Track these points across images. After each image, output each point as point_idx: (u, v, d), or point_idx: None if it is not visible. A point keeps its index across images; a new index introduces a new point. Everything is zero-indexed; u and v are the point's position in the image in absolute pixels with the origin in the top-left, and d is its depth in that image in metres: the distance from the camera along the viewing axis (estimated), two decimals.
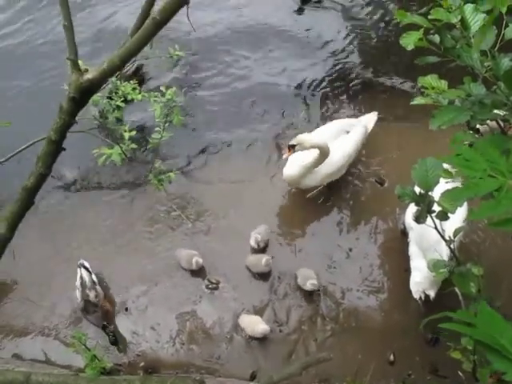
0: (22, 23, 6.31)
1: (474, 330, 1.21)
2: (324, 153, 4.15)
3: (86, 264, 3.97)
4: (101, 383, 1.85)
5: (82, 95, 1.74)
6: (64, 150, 1.87)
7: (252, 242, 4.17)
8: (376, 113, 4.71)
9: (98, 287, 3.89)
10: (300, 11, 6.19)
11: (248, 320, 3.84)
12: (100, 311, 3.81)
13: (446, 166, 2.02)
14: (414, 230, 3.74)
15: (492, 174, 1.19)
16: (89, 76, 1.70)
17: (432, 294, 3.67)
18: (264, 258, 4.01)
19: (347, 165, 4.48)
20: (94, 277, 3.94)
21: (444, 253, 3.45)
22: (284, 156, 4.17)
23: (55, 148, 1.80)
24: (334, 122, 4.69)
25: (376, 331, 3.82)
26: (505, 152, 1.21)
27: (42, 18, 6.32)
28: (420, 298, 3.70)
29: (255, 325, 3.77)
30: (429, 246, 3.56)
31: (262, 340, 3.78)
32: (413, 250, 3.79)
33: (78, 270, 3.96)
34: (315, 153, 4.15)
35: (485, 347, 1.18)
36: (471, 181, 1.20)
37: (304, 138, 4.05)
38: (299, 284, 4.00)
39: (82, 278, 3.88)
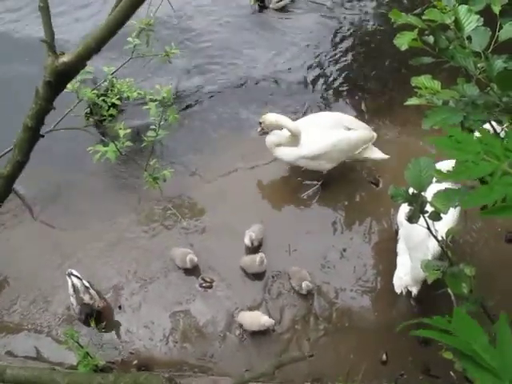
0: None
1: (448, 336, 1.18)
2: (292, 132, 4.31)
3: (75, 272, 3.93)
4: (76, 378, 1.85)
5: (58, 79, 1.67)
6: (42, 136, 1.83)
7: (246, 241, 4.18)
8: (387, 156, 4.51)
9: (91, 290, 3.86)
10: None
11: (249, 315, 3.84)
12: (96, 312, 3.77)
13: (439, 166, 2.02)
14: (404, 228, 3.77)
15: (485, 158, 1.09)
16: (64, 59, 1.64)
17: (414, 290, 3.70)
18: (258, 257, 4.01)
19: (335, 158, 4.43)
20: (85, 282, 3.91)
21: (429, 252, 3.48)
22: (258, 130, 4.48)
23: (32, 135, 1.74)
24: (335, 113, 4.69)
25: (369, 331, 3.83)
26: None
27: None
28: (401, 292, 3.73)
29: (258, 318, 3.77)
30: (414, 244, 3.60)
31: (256, 339, 3.79)
32: (400, 246, 3.83)
33: (68, 278, 3.90)
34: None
35: (459, 354, 1.15)
36: (463, 164, 1.11)
37: (267, 116, 4.35)
38: (293, 286, 4.01)
39: (73, 285, 3.84)
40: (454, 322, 1.21)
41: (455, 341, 1.16)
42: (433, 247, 3.51)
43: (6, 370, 1.80)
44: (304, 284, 3.93)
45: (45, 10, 1.77)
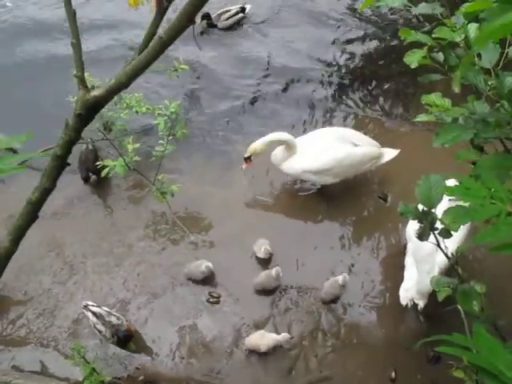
0: None
1: (471, 353, 1.21)
2: (286, 143, 4.33)
3: (90, 302, 3.90)
4: None
5: (88, 112, 1.75)
6: (69, 165, 1.89)
7: (261, 254, 4.15)
8: (398, 151, 4.56)
9: (114, 313, 3.84)
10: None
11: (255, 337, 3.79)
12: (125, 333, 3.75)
13: (449, 183, 2.02)
14: (412, 241, 3.75)
15: (492, 201, 1.22)
16: (95, 93, 1.72)
17: (421, 303, 3.68)
18: (274, 270, 4.00)
19: (339, 174, 4.44)
20: (103, 308, 3.88)
21: (436, 265, 3.47)
22: (243, 167, 4.43)
23: (60, 163, 1.82)
24: (343, 128, 4.71)
25: (377, 348, 3.79)
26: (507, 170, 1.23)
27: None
28: (407, 305, 3.71)
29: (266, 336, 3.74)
30: (422, 256, 3.58)
31: (262, 355, 3.75)
32: (408, 260, 3.81)
33: (86, 311, 3.85)
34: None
35: (483, 371, 1.17)
36: (472, 207, 1.22)
37: (253, 145, 4.32)
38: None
39: (94, 313, 3.80)
40: (475, 340, 1.24)
41: (478, 358, 1.17)
42: (440, 261, 3.49)
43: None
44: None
45: (77, 47, 1.85)
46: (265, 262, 4.21)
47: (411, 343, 3.65)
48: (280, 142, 4.37)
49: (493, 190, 1.23)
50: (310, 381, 1.93)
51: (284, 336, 3.72)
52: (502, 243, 1.23)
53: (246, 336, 3.84)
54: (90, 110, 1.77)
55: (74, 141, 1.81)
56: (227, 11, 6.22)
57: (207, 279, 4.15)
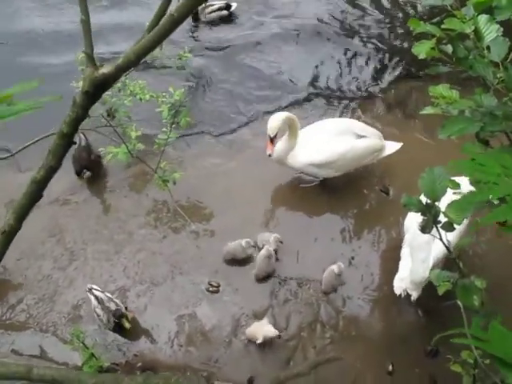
0: None
1: (487, 344, 1.21)
2: (290, 126, 4.25)
3: (95, 286, 3.91)
4: (103, 379, 1.84)
5: (96, 89, 1.73)
6: (75, 143, 1.88)
7: (273, 246, 4.12)
8: (401, 144, 4.55)
9: (115, 300, 3.85)
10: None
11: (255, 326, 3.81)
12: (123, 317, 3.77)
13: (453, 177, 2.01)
14: (409, 231, 3.75)
15: (505, 180, 1.20)
16: (104, 71, 1.70)
17: (414, 294, 3.69)
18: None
19: (342, 167, 4.43)
20: (107, 293, 3.89)
21: (432, 254, 3.51)
22: (270, 151, 4.26)
23: (66, 141, 1.81)
24: (343, 119, 4.69)
25: (375, 341, 3.80)
26: None
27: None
28: (400, 295, 3.72)
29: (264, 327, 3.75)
30: (418, 244, 3.60)
31: (261, 345, 3.76)
32: (404, 251, 3.81)
33: (89, 295, 3.87)
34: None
35: (499, 362, 1.17)
36: (485, 185, 1.19)
37: (273, 123, 4.15)
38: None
39: (96, 297, 3.82)
40: (491, 333, 1.23)
41: (495, 348, 1.18)
42: (436, 251, 3.50)
43: (33, 369, 1.81)
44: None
45: (86, 24, 1.83)
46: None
47: (412, 336, 3.70)
48: (287, 123, 4.27)
49: (507, 168, 1.20)
50: (317, 362, 1.95)
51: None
52: None
53: (245, 326, 3.85)
54: (98, 87, 1.74)
55: (81, 118, 1.80)
56: (211, 5, 6.17)
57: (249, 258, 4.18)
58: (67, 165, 4.69)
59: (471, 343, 1.28)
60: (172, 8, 1.67)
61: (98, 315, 3.79)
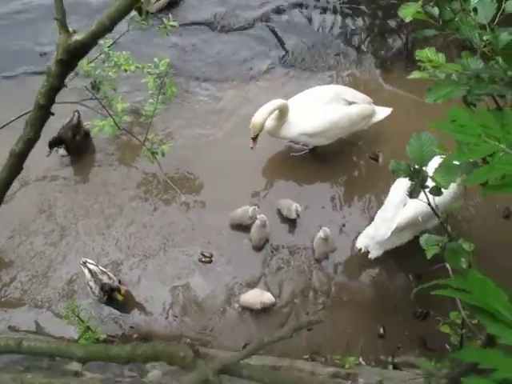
0: None
1: (467, 295, 1.23)
2: (280, 110, 4.21)
3: (89, 260, 3.93)
4: (93, 349, 1.87)
5: (71, 57, 1.67)
6: (53, 114, 1.84)
7: (293, 214, 4.15)
8: (391, 109, 4.52)
9: (109, 273, 3.87)
10: None
11: (251, 295, 3.86)
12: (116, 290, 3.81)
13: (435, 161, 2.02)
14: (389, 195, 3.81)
15: (486, 140, 1.20)
16: (77, 37, 1.64)
17: (373, 253, 3.78)
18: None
19: (334, 135, 4.42)
20: (100, 266, 3.91)
21: (397, 218, 3.57)
22: (252, 147, 4.25)
23: (44, 113, 1.76)
24: (336, 86, 4.64)
25: (366, 306, 3.88)
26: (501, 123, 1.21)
27: None
28: (360, 249, 3.82)
29: (260, 296, 3.81)
30: (387, 205, 3.70)
31: (255, 313, 3.83)
32: (378, 212, 3.85)
33: (83, 268, 3.88)
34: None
35: (479, 312, 1.20)
36: (465, 146, 1.21)
37: (255, 122, 4.13)
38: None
39: (90, 270, 3.84)
40: (471, 282, 1.26)
41: (474, 299, 1.20)
42: (403, 215, 3.57)
43: (22, 341, 1.82)
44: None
45: None
46: (292, 221, 4.24)
47: (402, 300, 3.77)
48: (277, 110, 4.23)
49: (488, 128, 1.20)
50: (298, 326, 1.98)
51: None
52: (496, 183, 1.23)
53: (239, 294, 3.91)
54: (73, 55, 1.68)
55: (57, 88, 1.75)
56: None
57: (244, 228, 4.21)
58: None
59: (451, 294, 1.31)
60: None
61: (91, 288, 3.82)
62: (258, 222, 4.03)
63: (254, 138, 4.21)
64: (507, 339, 1.18)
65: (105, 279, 3.78)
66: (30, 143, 1.84)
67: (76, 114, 4.63)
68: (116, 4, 1.59)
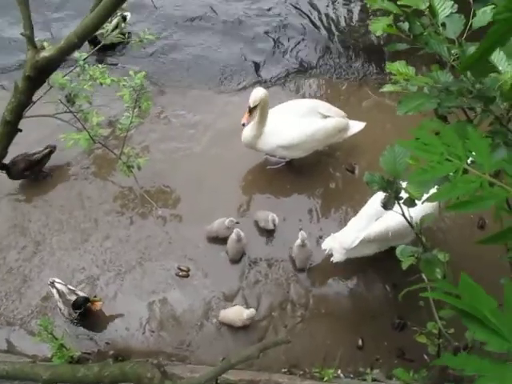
0: None
1: (457, 300, 1.24)
2: (262, 114, 4.22)
3: (57, 279, 3.85)
4: (59, 371, 1.81)
5: (38, 74, 1.67)
6: (20, 131, 1.81)
7: (270, 225, 4.16)
8: (364, 123, 4.59)
9: (78, 292, 3.80)
10: None
11: (232, 312, 3.83)
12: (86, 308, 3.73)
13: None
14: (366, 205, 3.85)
15: (449, 158, 1.22)
16: (45, 54, 1.63)
17: (336, 257, 3.81)
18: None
19: (310, 148, 4.46)
20: (69, 286, 3.84)
21: (368, 230, 3.62)
22: (244, 121, 4.18)
23: (10, 129, 1.74)
24: (307, 100, 4.69)
25: (345, 317, 3.88)
26: (465, 138, 1.23)
27: None
28: (325, 250, 3.85)
29: (241, 313, 3.77)
30: (361, 214, 3.75)
31: (233, 327, 3.79)
32: (352, 219, 3.89)
33: (51, 288, 3.81)
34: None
35: (466, 317, 1.21)
36: (429, 164, 1.23)
37: (260, 93, 4.09)
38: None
39: (58, 291, 3.76)
40: (461, 287, 1.27)
41: (463, 304, 1.21)
42: (373, 228, 3.61)
43: None
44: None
45: (23, 3, 1.74)
46: (269, 233, 4.24)
47: (380, 311, 3.79)
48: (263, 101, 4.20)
49: (451, 146, 1.23)
50: (265, 345, 1.97)
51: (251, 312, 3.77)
52: (458, 201, 1.24)
53: (217, 308, 3.87)
54: (40, 71, 1.67)
55: (24, 105, 1.73)
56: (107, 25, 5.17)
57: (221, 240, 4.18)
58: None
59: (439, 297, 1.32)
60: None
61: (60, 309, 3.75)
62: (233, 235, 4.01)
63: (251, 111, 4.15)
64: (494, 346, 1.19)
65: (73, 299, 3.70)
66: None
67: (46, 150, 4.55)
68: (84, 22, 1.59)
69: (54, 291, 3.77)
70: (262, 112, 4.23)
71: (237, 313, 3.79)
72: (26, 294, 4.03)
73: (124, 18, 5.58)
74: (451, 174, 1.21)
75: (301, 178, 4.59)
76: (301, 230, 4.04)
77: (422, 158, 1.27)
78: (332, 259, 3.82)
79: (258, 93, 4.12)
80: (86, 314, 3.74)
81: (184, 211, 4.40)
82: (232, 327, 3.79)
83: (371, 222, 3.62)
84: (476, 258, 3.73)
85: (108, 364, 1.82)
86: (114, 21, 5.29)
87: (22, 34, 1.68)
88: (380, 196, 3.39)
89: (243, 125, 4.21)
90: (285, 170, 4.69)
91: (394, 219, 3.24)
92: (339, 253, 3.77)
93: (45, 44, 1.86)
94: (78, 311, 3.68)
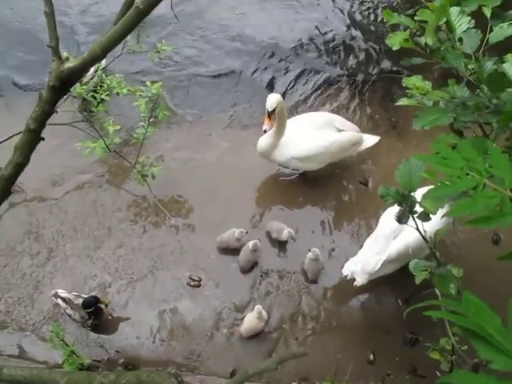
0: None
1: (460, 317, 1.23)
2: (280, 123, 4.22)
3: (59, 290, 3.87)
4: (76, 377, 1.82)
5: (62, 84, 1.71)
6: (43, 139, 1.85)
7: (284, 237, 4.16)
8: (378, 137, 4.60)
9: (83, 295, 3.82)
10: None
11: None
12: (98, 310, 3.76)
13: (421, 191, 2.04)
14: (379, 225, 3.82)
15: (469, 173, 1.21)
16: (69, 64, 1.68)
17: (358, 280, 3.75)
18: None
19: (324, 160, 4.46)
20: (73, 292, 3.87)
21: (388, 250, 3.59)
22: (265, 127, 4.14)
23: (34, 137, 1.78)
24: (323, 113, 4.71)
25: (356, 331, 3.85)
26: (484, 153, 1.23)
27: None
28: (346, 276, 3.80)
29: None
30: (378, 236, 3.70)
31: (243, 338, 3.78)
32: (368, 240, 3.85)
33: (55, 299, 3.84)
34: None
35: (472, 335, 1.19)
36: (449, 179, 1.23)
37: (271, 97, 4.07)
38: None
39: (63, 299, 3.79)
40: (465, 305, 1.25)
41: (468, 322, 1.19)
42: (394, 247, 3.58)
43: (3, 369, 1.78)
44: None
45: (50, 16, 1.79)
46: (281, 244, 4.25)
47: (392, 325, 3.75)
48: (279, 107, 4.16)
49: (471, 162, 1.21)
50: (283, 358, 1.96)
51: None
52: (477, 217, 1.23)
53: (227, 318, 3.86)
54: (64, 81, 1.72)
55: (48, 114, 1.77)
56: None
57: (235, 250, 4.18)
58: (44, 162, 4.62)
59: (443, 316, 1.31)
60: None
61: (70, 315, 3.77)
62: (249, 245, 4.02)
63: (270, 115, 4.11)
64: (499, 364, 1.17)
65: (80, 301, 3.72)
66: (19, 168, 1.84)
67: None
68: (108, 34, 1.62)
69: (59, 301, 3.79)
70: (279, 121, 4.24)
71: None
72: (38, 299, 4.05)
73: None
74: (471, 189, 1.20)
75: (314, 190, 4.59)
76: (310, 250, 4.02)
77: (440, 172, 1.25)
78: (355, 284, 3.75)
79: (274, 97, 4.10)
80: (98, 314, 3.76)
81: (197, 221, 4.42)
82: (242, 338, 3.77)
83: (389, 241, 3.59)
84: (490, 273, 3.69)
85: (124, 373, 1.82)
86: (92, 70, 4.74)
87: (47, 45, 1.73)
88: (391, 214, 3.40)
89: (265, 131, 4.19)
90: (298, 181, 4.69)
91: (411, 235, 3.21)
92: (362, 277, 3.72)
93: (65, 54, 1.91)
94: (89, 310, 3.70)
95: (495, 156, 1.18)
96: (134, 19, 1.57)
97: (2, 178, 1.84)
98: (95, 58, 1.67)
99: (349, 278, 3.78)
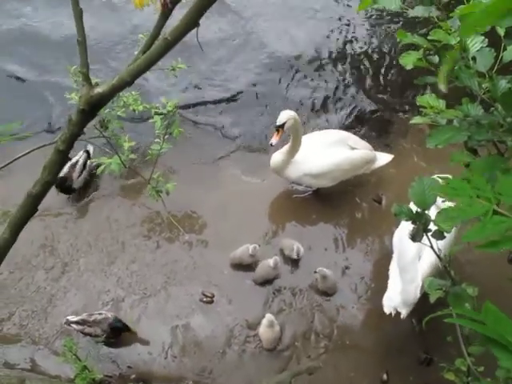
0: None
1: (483, 326, 1.24)
2: (295, 140, 4.26)
3: (70, 317, 3.89)
4: None
5: (92, 108, 1.81)
6: (70, 159, 1.93)
7: (294, 255, 4.16)
8: (392, 156, 4.62)
9: (95, 313, 3.87)
10: None
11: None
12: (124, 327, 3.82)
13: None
14: (396, 249, 3.77)
15: (478, 201, 1.27)
16: (99, 90, 1.77)
17: (404, 312, 3.65)
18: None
19: (337, 177, 4.48)
20: (83, 314, 3.90)
21: (419, 273, 3.51)
22: (273, 141, 4.18)
23: (62, 157, 1.86)
24: (339, 131, 4.73)
25: (370, 350, 3.81)
26: (504, 171, 1.25)
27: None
28: (390, 313, 3.69)
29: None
30: (404, 264, 3.62)
31: (255, 355, 3.76)
32: (392, 268, 3.81)
33: (68, 326, 3.89)
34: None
35: (493, 344, 1.20)
36: (460, 206, 1.28)
37: (291, 113, 4.11)
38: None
39: (77, 322, 3.84)
40: (485, 314, 1.29)
41: (488, 330, 1.21)
42: (423, 268, 3.53)
43: (25, 381, 1.82)
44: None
45: (82, 44, 1.91)
46: (294, 262, 4.24)
47: (406, 345, 3.69)
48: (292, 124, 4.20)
49: (480, 190, 1.26)
50: (297, 372, 1.95)
51: None
52: (487, 241, 1.26)
53: (240, 336, 3.85)
54: (93, 106, 1.81)
55: (77, 135, 1.84)
56: (74, 165, 4.67)
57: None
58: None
59: (465, 323, 1.32)
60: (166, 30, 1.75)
61: (91, 334, 3.78)
62: (271, 261, 4.03)
63: (279, 129, 4.13)
64: None
65: (97, 317, 3.75)
66: (46, 186, 1.92)
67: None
68: (137, 63, 1.71)
69: (74, 326, 3.82)
70: (294, 138, 4.27)
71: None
72: (52, 313, 4.08)
73: (88, 153, 4.89)
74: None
75: (327, 208, 4.59)
76: (315, 272, 4.03)
77: (453, 201, 1.30)
78: (402, 316, 3.64)
79: (285, 113, 4.14)
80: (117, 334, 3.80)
81: (210, 237, 4.43)
82: (254, 355, 3.75)
83: (416, 265, 3.54)
84: (506, 292, 3.63)
85: None
86: (81, 161, 4.72)
87: (79, 71, 1.82)
88: (405, 237, 3.38)
89: (271, 144, 4.22)
90: (311, 198, 4.69)
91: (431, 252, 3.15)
92: (405, 309, 3.63)
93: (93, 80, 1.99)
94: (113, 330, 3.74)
95: (504, 182, 1.22)
96: (162, 49, 1.68)
97: (30, 196, 1.91)
98: (123, 85, 1.77)
99: (393, 314, 3.67)
